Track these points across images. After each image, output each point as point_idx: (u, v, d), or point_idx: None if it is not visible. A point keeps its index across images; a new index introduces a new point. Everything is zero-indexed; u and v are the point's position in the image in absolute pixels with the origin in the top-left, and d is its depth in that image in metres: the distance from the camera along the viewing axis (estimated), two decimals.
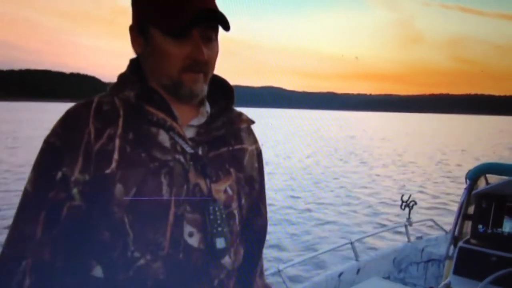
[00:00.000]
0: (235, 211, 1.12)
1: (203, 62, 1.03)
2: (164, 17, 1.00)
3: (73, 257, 1.00)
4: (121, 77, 1.10)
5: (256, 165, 1.22)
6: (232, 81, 1.18)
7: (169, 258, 1.00)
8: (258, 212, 1.24)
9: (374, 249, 6.34)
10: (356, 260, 3.96)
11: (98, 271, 0.99)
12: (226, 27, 1.03)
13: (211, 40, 1.05)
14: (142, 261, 0.98)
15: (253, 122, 1.23)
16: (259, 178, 1.23)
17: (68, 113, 1.03)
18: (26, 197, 1.00)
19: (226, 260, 1.08)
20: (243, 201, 1.14)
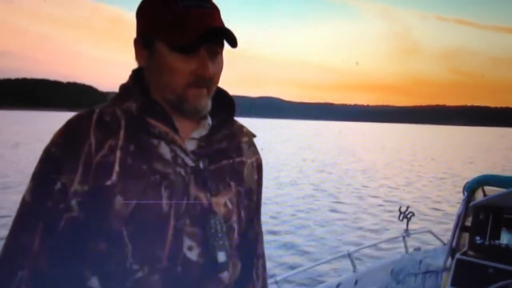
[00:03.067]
0: (235, 224, 1.11)
1: (209, 78, 1.03)
2: (173, 33, 0.99)
3: (70, 268, 0.99)
4: (124, 88, 1.09)
5: (255, 177, 1.21)
6: (230, 91, 1.18)
7: (168, 272, 0.99)
8: (250, 225, 1.22)
9: (372, 259, 6.32)
10: (354, 271, 3.95)
11: (95, 283, 0.98)
12: (234, 44, 1.03)
13: (217, 55, 1.05)
14: (140, 274, 0.97)
15: (254, 135, 1.23)
16: (257, 190, 1.23)
17: (69, 123, 1.03)
18: (24, 206, 1.00)
19: (225, 274, 1.07)
20: (242, 214, 1.14)
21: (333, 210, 12.13)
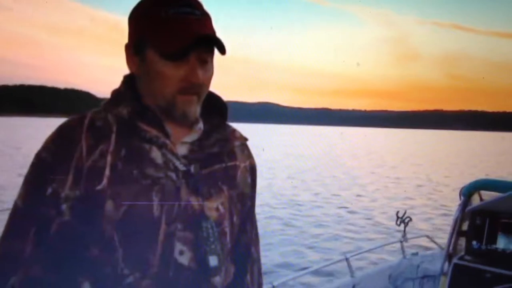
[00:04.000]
0: (227, 229, 1.11)
1: (198, 85, 1.03)
2: (162, 40, 1.00)
3: (62, 273, 0.99)
4: (115, 93, 1.09)
5: (249, 180, 1.21)
6: (227, 97, 1.18)
7: (159, 277, 0.99)
8: (243, 229, 1.22)
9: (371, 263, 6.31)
10: (351, 276, 3.94)
11: None
12: (222, 52, 1.04)
13: (207, 62, 1.05)
14: (131, 279, 0.97)
15: (246, 139, 1.23)
16: (251, 194, 1.22)
17: (61, 128, 1.03)
18: (16, 211, 1.00)
19: (217, 279, 1.06)
20: (234, 218, 1.13)
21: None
